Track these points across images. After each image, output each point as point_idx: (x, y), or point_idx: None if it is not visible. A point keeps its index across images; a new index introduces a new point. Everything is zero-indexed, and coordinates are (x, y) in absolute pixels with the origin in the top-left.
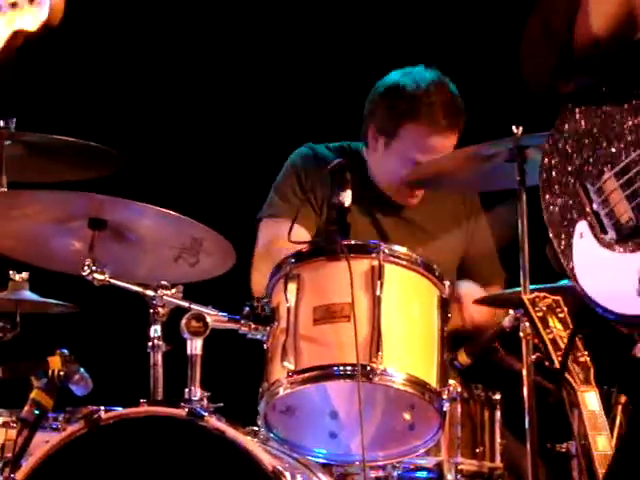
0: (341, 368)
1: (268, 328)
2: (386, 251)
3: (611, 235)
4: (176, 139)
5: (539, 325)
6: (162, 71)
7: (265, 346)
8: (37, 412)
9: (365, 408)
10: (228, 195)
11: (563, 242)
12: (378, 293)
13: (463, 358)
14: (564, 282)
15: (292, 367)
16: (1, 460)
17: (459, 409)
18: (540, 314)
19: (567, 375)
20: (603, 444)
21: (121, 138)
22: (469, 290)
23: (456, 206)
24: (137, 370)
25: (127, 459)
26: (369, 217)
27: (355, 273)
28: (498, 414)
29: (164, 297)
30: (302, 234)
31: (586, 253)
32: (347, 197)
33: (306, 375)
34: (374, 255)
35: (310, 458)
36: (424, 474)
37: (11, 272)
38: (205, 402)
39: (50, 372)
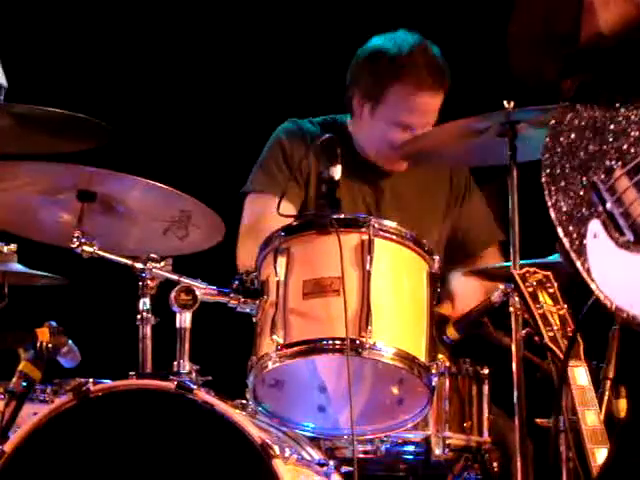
0: (330, 342)
1: (257, 302)
2: (376, 225)
3: (628, 237)
4: (165, 111)
5: (529, 300)
6: (151, 44)
7: (254, 320)
8: (25, 384)
9: (354, 382)
10: (217, 168)
11: (576, 242)
12: (368, 267)
13: (452, 333)
14: (554, 257)
15: (281, 341)
16: None
17: (447, 384)
18: (530, 289)
19: (556, 350)
20: (592, 419)
21: (110, 110)
22: (464, 290)
23: (444, 176)
24: (126, 343)
25: (115, 432)
26: (355, 189)
27: (345, 247)
28: (486, 389)
29: (153, 270)
30: (289, 209)
31: (602, 253)
32: (337, 171)
33: (295, 349)
34: (364, 229)
35: (298, 431)
36: (412, 448)
37: None
38: (194, 375)
39: (38, 344)
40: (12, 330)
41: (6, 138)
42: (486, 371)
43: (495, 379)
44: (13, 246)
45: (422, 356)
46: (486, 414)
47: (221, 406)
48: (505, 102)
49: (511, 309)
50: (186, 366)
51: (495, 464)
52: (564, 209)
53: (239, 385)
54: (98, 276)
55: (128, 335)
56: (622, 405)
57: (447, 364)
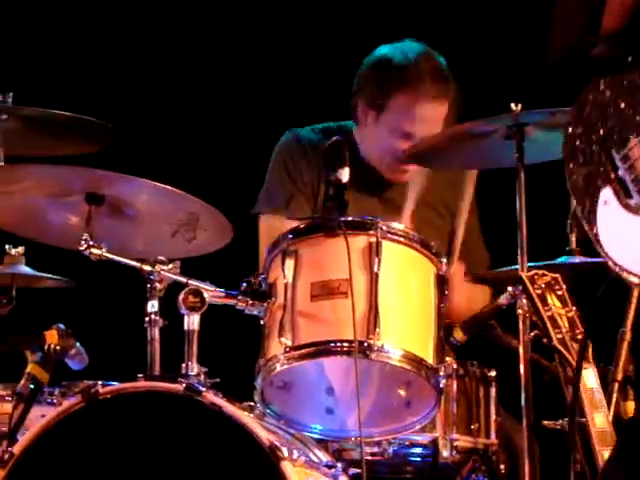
0: (338, 344)
1: (265, 304)
2: (384, 228)
3: (636, 200)
4: (172, 114)
5: (538, 302)
6: (159, 47)
7: (262, 322)
8: (33, 386)
9: (362, 384)
10: (225, 170)
11: (587, 208)
12: (375, 270)
13: (459, 334)
14: (562, 259)
15: (289, 343)
16: None
17: (454, 386)
18: (539, 291)
19: (565, 352)
20: (601, 421)
21: (119, 113)
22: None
23: (446, 188)
24: (133, 345)
25: (124, 434)
26: (359, 196)
27: (353, 249)
28: (493, 391)
29: (161, 272)
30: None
31: (610, 219)
32: (345, 174)
33: (303, 351)
34: (372, 232)
35: (306, 434)
36: (419, 450)
37: (7, 246)
38: (202, 377)
39: (46, 346)
40: (20, 332)
41: (14, 141)
42: (493, 373)
43: (502, 381)
44: (21, 249)
45: (430, 358)
46: (493, 416)
47: (229, 408)
48: (512, 104)
49: (519, 311)
50: (194, 368)
51: (502, 466)
52: (580, 180)
53: (247, 387)
54: (106, 278)
55: (136, 338)
56: (630, 407)
57: (454, 366)
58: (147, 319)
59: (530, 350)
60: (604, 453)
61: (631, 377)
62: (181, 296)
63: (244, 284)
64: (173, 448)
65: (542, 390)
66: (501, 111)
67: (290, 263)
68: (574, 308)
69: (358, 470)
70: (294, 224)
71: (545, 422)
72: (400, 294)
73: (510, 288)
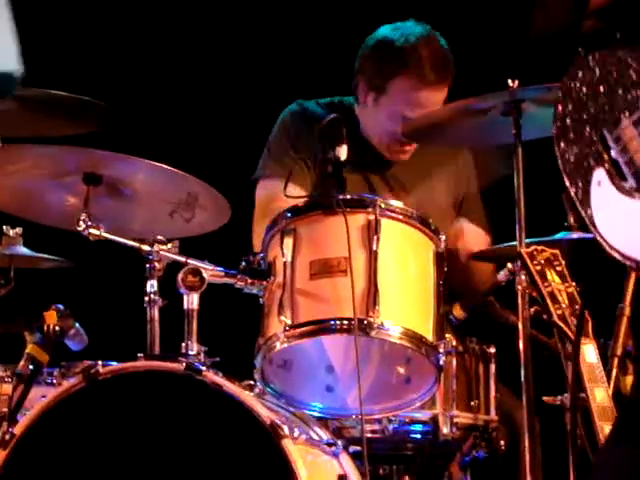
0: (338, 322)
1: (264, 283)
2: (382, 205)
3: (631, 183)
4: (171, 93)
5: (537, 278)
6: (156, 25)
7: (261, 301)
8: (32, 367)
9: (362, 362)
10: (223, 150)
11: (580, 190)
12: (374, 247)
13: (458, 311)
14: (561, 235)
15: (289, 321)
16: None
17: (454, 363)
18: (538, 267)
19: (565, 328)
20: (601, 396)
21: (115, 92)
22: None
23: (447, 163)
24: (133, 325)
25: (125, 414)
26: (360, 173)
27: (351, 227)
28: (493, 367)
29: (160, 252)
30: (297, 192)
31: (604, 200)
32: (343, 151)
33: (303, 329)
34: (370, 209)
35: (306, 412)
36: (419, 427)
37: (5, 227)
38: (202, 357)
39: (45, 327)
40: (19, 313)
41: (11, 121)
42: (493, 350)
43: (502, 358)
44: (19, 229)
45: (429, 335)
46: (493, 393)
47: (230, 387)
48: (509, 81)
49: (518, 287)
50: (194, 347)
51: (502, 442)
52: (572, 160)
53: (247, 366)
54: (105, 259)
55: (135, 317)
56: (629, 382)
57: (454, 343)
58: (146, 299)
59: (529, 326)
60: (605, 428)
61: (631, 352)
62: (180, 275)
63: (243, 263)
64: (174, 427)
65: (542, 366)
66: (499, 88)
67: (289, 242)
68: (573, 283)
69: (358, 447)
70: (294, 192)
71: (545, 398)
72: (399, 272)
73: (509, 264)
